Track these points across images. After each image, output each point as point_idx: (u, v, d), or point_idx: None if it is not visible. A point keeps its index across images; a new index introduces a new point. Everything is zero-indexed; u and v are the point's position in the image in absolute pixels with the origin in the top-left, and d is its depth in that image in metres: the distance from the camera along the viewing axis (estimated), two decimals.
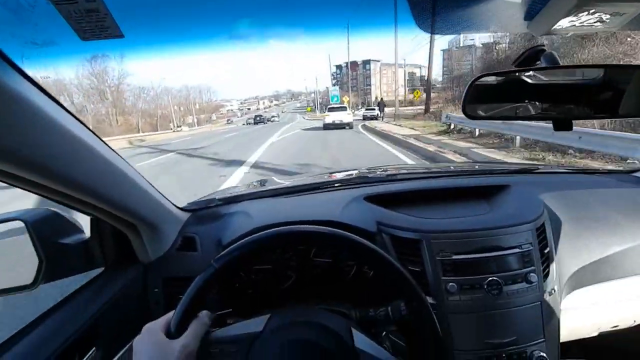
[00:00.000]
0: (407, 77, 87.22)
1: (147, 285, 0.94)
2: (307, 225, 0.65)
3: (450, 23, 0.57)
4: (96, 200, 0.71)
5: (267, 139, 15.70)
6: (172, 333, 0.55)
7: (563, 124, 0.58)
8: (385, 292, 0.83)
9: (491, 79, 0.62)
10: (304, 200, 1.19)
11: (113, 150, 0.75)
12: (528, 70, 0.59)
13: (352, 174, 1.50)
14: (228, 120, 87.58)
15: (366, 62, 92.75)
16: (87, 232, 0.89)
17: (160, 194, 0.96)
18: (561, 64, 0.59)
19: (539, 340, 0.86)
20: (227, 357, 0.56)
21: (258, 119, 47.28)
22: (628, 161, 5.76)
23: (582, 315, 1.04)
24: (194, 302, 0.58)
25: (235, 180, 6.79)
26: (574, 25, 0.55)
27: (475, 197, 1.11)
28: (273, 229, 0.63)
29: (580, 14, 0.53)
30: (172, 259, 0.97)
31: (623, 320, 1.08)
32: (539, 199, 1.03)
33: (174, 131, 58.25)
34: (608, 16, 0.54)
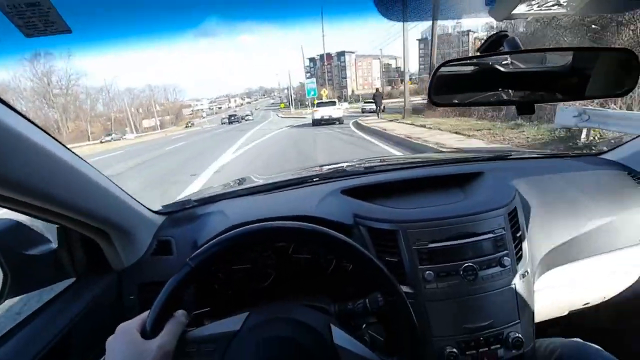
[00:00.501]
0: (383, 69, 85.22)
1: (121, 293, 0.93)
2: (281, 222, 0.65)
3: (415, 10, 0.59)
4: (62, 209, 0.69)
5: (219, 155, 10.58)
6: (148, 333, 0.55)
7: (526, 108, 0.60)
8: (365, 285, 0.84)
9: (456, 66, 0.64)
10: (280, 196, 1.20)
11: (77, 155, 0.72)
12: (491, 56, 0.62)
13: (329, 168, 1.52)
14: (188, 123, 75.23)
15: (340, 54, 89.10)
16: (55, 242, 0.86)
17: (132, 198, 0.94)
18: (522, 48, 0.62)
19: (514, 322, 0.90)
20: (204, 356, 0.56)
21: (233, 118, 47.28)
22: None
23: (554, 295, 1.09)
24: (170, 301, 0.57)
25: None
26: (533, 9, 0.58)
27: (450, 185, 1.15)
28: (248, 226, 0.63)
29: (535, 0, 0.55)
30: (147, 264, 0.96)
31: (593, 297, 1.15)
32: (511, 185, 1.07)
33: (102, 142, 46.57)
34: (565, 1, 0.57)
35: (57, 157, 0.64)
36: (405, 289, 0.90)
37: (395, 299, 0.63)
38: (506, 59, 0.63)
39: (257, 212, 1.03)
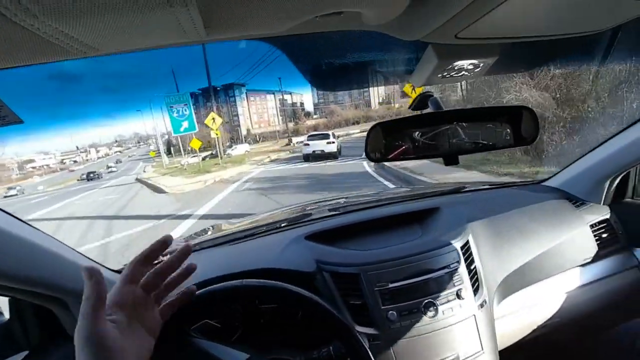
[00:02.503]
0: (280, 105, 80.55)
1: None
2: (233, 282, 0.76)
3: (345, 82, 0.80)
4: (10, 282, 0.75)
5: None
6: None
7: (451, 159, 0.78)
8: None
9: (389, 124, 0.87)
10: (245, 247, 1.37)
11: (20, 220, 0.78)
12: (419, 116, 0.78)
13: (295, 213, 1.74)
14: None
15: (228, 88, 78.92)
16: (5, 314, 0.92)
17: (88, 258, 1.02)
18: (444, 108, 0.86)
19: (478, 352, 1.08)
20: None
21: (92, 175, 45.79)
22: None
23: (514, 320, 1.28)
24: None
25: None
26: (445, 76, 0.82)
27: (410, 221, 1.39)
28: (199, 291, 0.74)
29: (446, 68, 0.81)
30: None
31: (551, 319, 1.36)
32: (464, 218, 1.31)
33: None
34: (469, 67, 0.83)
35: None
36: (370, 330, 1.06)
37: (353, 344, 0.75)
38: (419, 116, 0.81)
39: (220, 267, 1.17)
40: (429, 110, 0.86)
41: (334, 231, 1.34)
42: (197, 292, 0.71)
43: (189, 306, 0.67)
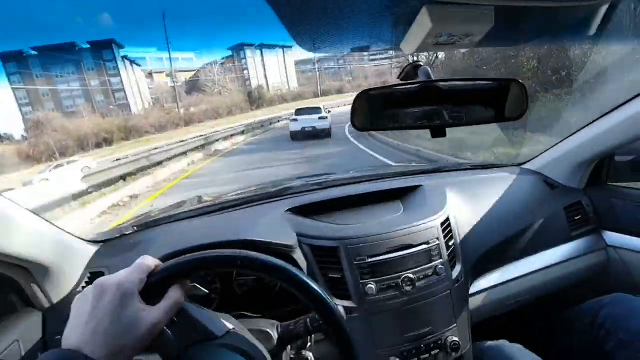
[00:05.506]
0: None
1: (45, 334, 0.95)
2: (205, 252, 0.70)
3: (329, 43, 0.75)
4: None
5: None
6: (149, 297, 0.55)
7: (438, 132, 0.75)
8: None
9: (376, 92, 0.82)
10: (223, 219, 1.33)
11: None
12: (408, 84, 0.75)
13: (277, 186, 1.70)
14: None
15: None
16: None
17: (57, 227, 0.98)
18: (434, 79, 0.80)
19: (452, 327, 1.10)
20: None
21: None
22: None
23: (488, 297, 1.31)
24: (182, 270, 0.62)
25: None
26: (437, 44, 0.78)
27: (392, 198, 1.38)
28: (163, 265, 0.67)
29: (438, 35, 0.76)
30: None
31: (522, 294, 1.40)
32: (445, 196, 1.31)
33: None
34: (462, 36, 0.79)
35: None
36: (348, 304, 1.06)
37: (329, 315, 0.73)
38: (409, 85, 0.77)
39: (195, 238, 1.12)
40: (418, 80, 0.80)
41: (315, 205, 1.33)
42: (164, 264, 0.66)
43: (161, 277, 0.62)
